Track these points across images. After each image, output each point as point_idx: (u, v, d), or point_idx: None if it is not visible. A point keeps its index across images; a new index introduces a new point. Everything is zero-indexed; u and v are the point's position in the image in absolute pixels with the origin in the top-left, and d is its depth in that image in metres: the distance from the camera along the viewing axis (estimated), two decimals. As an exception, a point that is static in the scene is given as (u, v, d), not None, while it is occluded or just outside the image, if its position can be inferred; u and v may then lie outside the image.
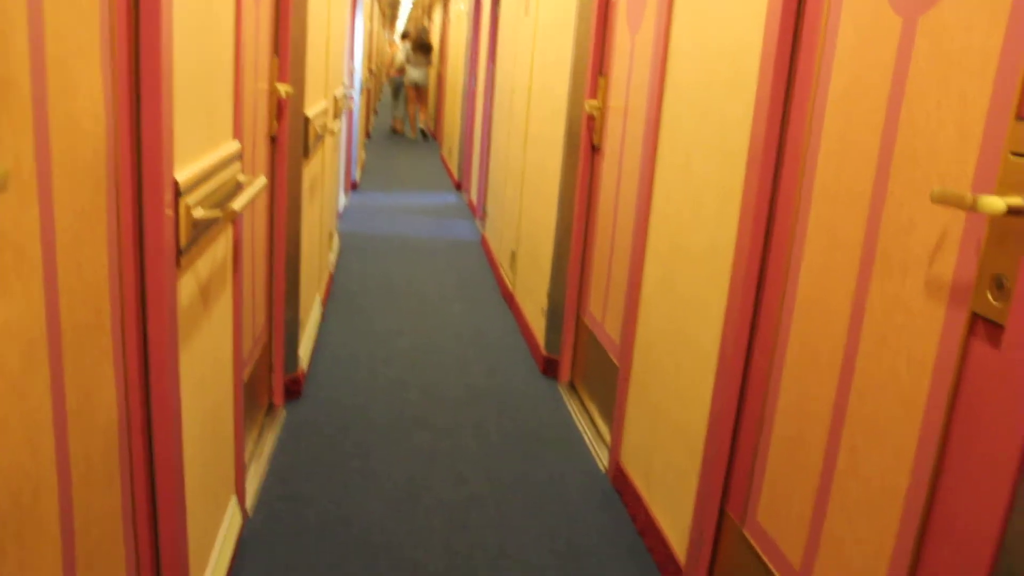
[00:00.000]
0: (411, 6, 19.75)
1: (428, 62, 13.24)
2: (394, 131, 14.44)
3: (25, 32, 1.03)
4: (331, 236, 5.48)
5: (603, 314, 3.36)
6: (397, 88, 14.00)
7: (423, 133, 14.13)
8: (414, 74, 13.16)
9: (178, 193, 1.59)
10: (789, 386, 1.84)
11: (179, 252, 1.62)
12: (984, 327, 1.27)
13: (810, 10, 1.79)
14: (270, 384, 3.30)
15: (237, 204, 1.80)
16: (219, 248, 2.06)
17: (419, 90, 13.54)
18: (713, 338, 2.17)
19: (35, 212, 1.08)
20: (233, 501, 2.42)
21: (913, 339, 1.42)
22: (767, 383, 1.93)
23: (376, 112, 16.62)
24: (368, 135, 13.12)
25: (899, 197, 1.47)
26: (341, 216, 7.18)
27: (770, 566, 1.90)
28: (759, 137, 1.90)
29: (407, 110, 13.98)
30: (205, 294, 1.94)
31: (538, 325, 4.15)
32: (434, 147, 13.05)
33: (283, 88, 2.98)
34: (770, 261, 1.93)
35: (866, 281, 1.56)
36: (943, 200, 1.25)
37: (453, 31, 11.36)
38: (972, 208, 1.19)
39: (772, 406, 1.91)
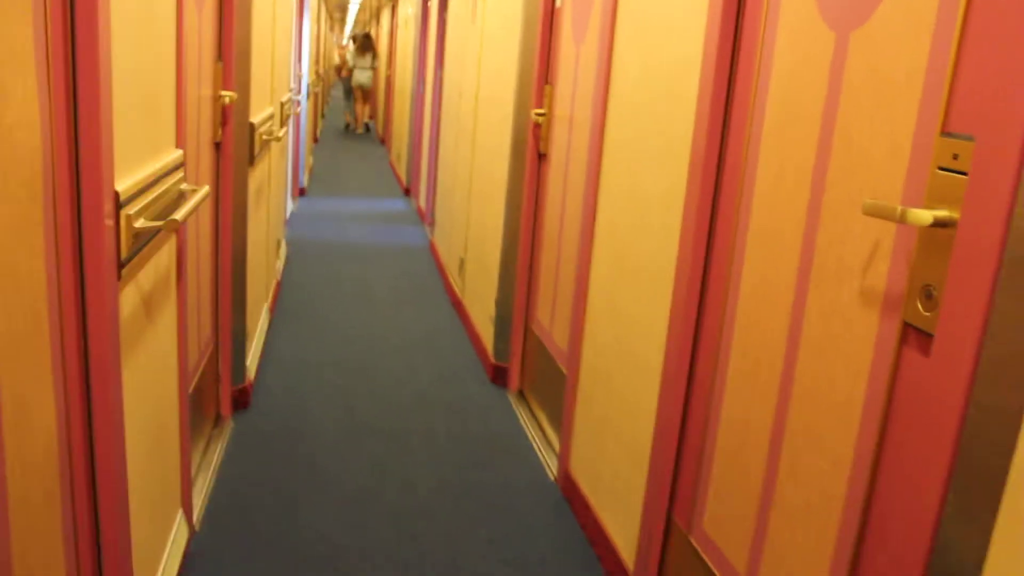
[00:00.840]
0: (358, 9, 19.72)
1: (372, 65, 14.20)
2: (347, 126, 15.61)
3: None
4: (278, 243, 5.43)
5: (551, 322, 3.39)
6: (348, 89, 15.10)
7: (366, 127, 15.52)
8: (359, 76, 14.20)
9: (119, 204, 1.57)
10: (732, 396, 1.87)
11: (120, 263, 1.60)
12: (915, 336, 1.31)
13: (748, 24, 1.82)
14: (217, 395, 3.26)
15: (179, 215, 1.79)
16: (162, 258, 2.04)
17: (364, 91, 14.61)
18: (657, 349, 2.20)
19: (-30, 226, 1.07)
20: (180, 515, 2.39)
21: (849, 347, 1.46)
22: (710, 393, 1.97)
23: (324, 116, 16.57)
24: (316, 139, 13.05)
25: (834, 209, 1.51)
26: (288, 222, 7.11)
27: (716, 573, 1.93)
28: (699, 149, 1.94)
29: (354, 108, 15.17)
30: (148, 305, 1.92)
31: (487, 333, 4.16)
32: (382, 151, 13.03)
33: (227, 95, 2.96)
34: (712, 272, 1.97)
35: (804, 291, 1.59)
36: (874, 212, 1.29)
37: (401, 35, 11.33)
38: (901, 220, 1.23)
39: (716, 416, 1.94)
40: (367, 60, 14.11)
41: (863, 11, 1.45)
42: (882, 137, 1.39)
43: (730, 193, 1.88)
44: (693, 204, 1.97)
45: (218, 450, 3.05)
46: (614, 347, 2.54)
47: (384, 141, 13.71)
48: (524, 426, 3.51)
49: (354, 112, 15.18)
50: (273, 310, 4.76)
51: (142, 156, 1.79)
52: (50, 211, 1.36)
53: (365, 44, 14.17)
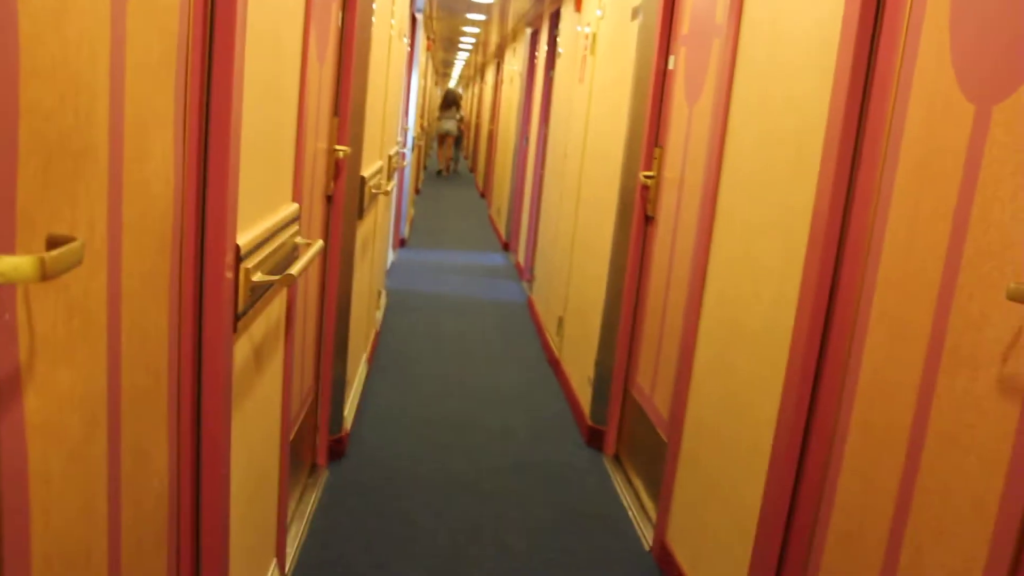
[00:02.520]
0: (463, 65, 20.28)
1: (456, 116, 16.62)
2: (439, 172, 17.82)
3: (107, 100, 1.05)
4: (379, 293, 5.51)
5: (652, 387, 3.32)
6: (435, 137, 17.67)
7: (454, 169, 18.20)
8: (446, 125, 16.66)
9: (239, 257, 1.60)
10: (849, 476, 1.78)
11: (237, 316, 1.63)
12: (1062, 431, 1.22)
13: (877, 93, 1.77)
14: (314, 444, 3.29)
15: (295, 269, 1.81)
16: (274, 310, 2.07)
17: (452, 136, 16.97)
18: (769, 421, 2.12)
19: (103, 278, 1.09)
20: (273, 564, 2.39)
21: (985, 438, 1.37)
22: (825, 471, 1.88)
23: (425, 168, 17.05)
24: (418, 191, 13.31)
25: (969, 290, 1.43)
26: (389, 273, 7.23)
27: (824, 664, 1.83)
28: (821, 221, 1.87)
29: (440, 153, 17.44)
30: (258, 356, 1.95)
31: (584, 394, 4.11)
32: (481, 204, 13.21)
33: (341, 149, 3.02)
34: (829, 351, 1.88)
35: (933, 375, 1.51)
36: (1019, 298, 1.21)
37: (505, 91, 11.52)
38: (1052, 308, 1.15)
39: (831, 496, 1.85)
40: (452, 112, 16.56)
41: (1008, 84, 1.38)
42: (1026, 217, 1.31)
43: (853, 268, 1.81)
44: (812, 277, 1.90)
45: (312, 499, 3.07)
46: (721, 416, 2.46)
47: (484, 195, 13.92)
48: (619, 492, 3.43)
49: (442, 156, 17.30)
50: (371, 360, 4.81)
51: (262, 210, 1.83)
52: (176, 265, 1.39)
53: (450, 98, 16.68)
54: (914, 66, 1.65)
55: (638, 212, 3.53)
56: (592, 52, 4.70)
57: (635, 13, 3.69)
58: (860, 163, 1.81)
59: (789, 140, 2.12)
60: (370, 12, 3.18)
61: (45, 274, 0.79)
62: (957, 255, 1.47)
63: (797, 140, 2.07)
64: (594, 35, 4.69)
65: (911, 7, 1.67)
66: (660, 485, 2.95)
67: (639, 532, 3.11)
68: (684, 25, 3.23)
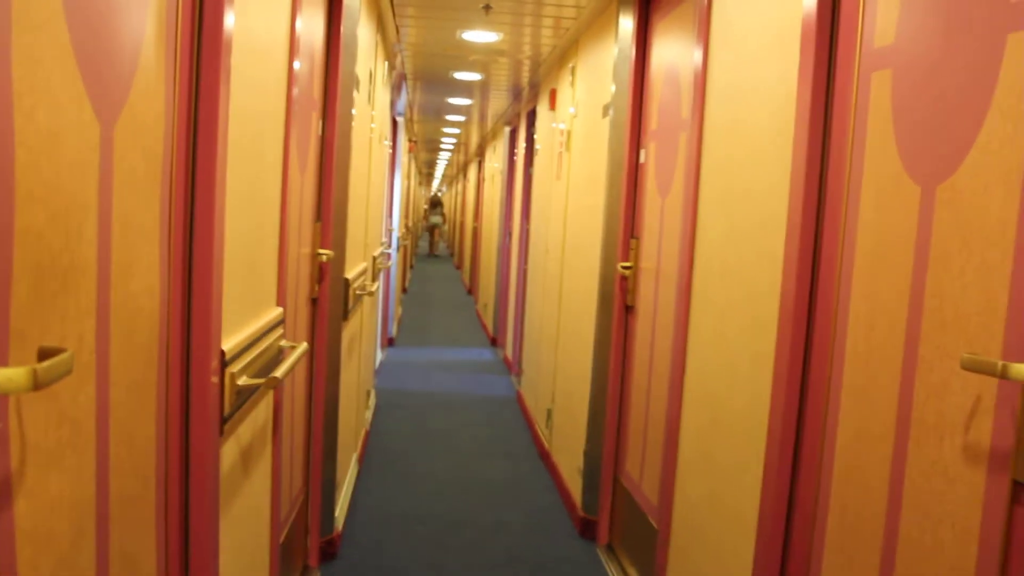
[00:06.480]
0: (446, 165, 20.97)
1: (440, 213, 24.74)
2: (429, 253, 25.01)
3: (95, 219, 1.11)
4: (368, 393, 5.52)
5: (640, 475, 3.33)
6: (426, 228, 26.33)
7: (441, 249, 26.38)
8: (433, 219, 24.65)
9: (224, 362, 1.65)
10: (832, 556, 1.80)
11: (223, 420, 1.66)
12: (1026, 495, 1.26)
13: (832, 179, 1.85)
14: (306, 545, 3.27)
15: (279, 372, 1.86)
16: (260, 413, 2.11)
17: (438, 229, 25.00)
18: (752, 506, 2.14)
19: (92, 388, 1.13)
20: (265, 671, 2.36)
21: (956, 507, 1.40)
22: (809, 552, 1.90)
23: (412, 267, 17.31)
24: (405, 290, 13.42)
25: (930, 362, 1.49)
26: (377, 372, 7.24)
27: None
28: (788, 304, 1.94)
29: (432, 239, 25.10)
30: (246, 459, 1.97)
31: (575, 485, 4.10)
32: (468, 301, 13.31)
33: (325, 253, 3.10)
34: (806, 427, 1.93)
35: (903, 446, 1.55)
36: (973, 367, 1.27)
37: (487, 189, 11.75)
38: (1003, 375, 1.20)
39: (816, 573, 1.86)
40: (437, 210, 24.61)
41: (949, 164, 1.47)
42: (975, 289, 1.38)
43: (822, 347, 1.87)
44: (784, 359, 1.96)
45: (305, 604, 3.03)
46: (707, 502, 2.48)
47: (471, 291, 14.06)
48: (614, 583, 3.41)
49: (432, 242, 25.10)
50: (362, 460, 4.80)
51: (246, 315, 1.88)
52: (162, 371, 1.43)
53: (435, 200, 24.82)
54: (864, 152, 1.74)
55: (618, 302, 3.60)
56: (567, 148, 4.85)
57: (606, 110, 3.83)
58: (821, 246, 1.89)
59: (754, 227, 2.21)
60: (349, 119, 3.30)
61: (37, 384, 0.83)
62: (916, 328, 1.53)
63: (761, 226, 2.16)
64: (568, 132, 4.85)
65: (856, 96, 1.77)
66: (653, 573, 2.94)
67: (636, 623, 3.08)
68: (653, 120, 3.36)
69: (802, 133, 1.91)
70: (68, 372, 0.90)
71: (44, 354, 0.93)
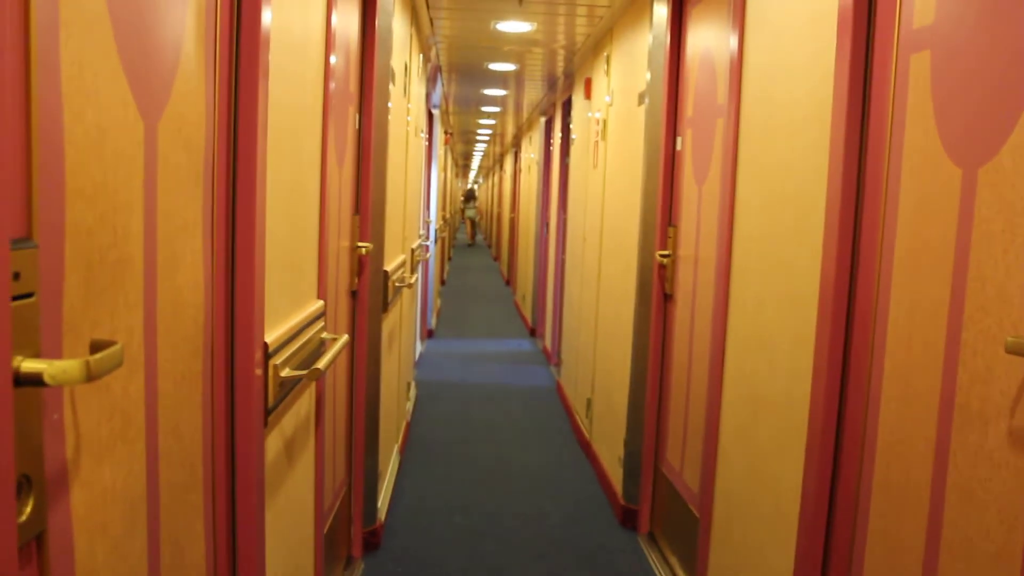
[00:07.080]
0: (482, 156, 20.93)
1: (474, 206, 26.75)
2: (468, 245, 26.22)
3: (141, 215, 1.14)
4: (408, 385, 5.56)
5: (681, 464, 3.33)
6: (462, 221, 28.06)
7: (477, 239, 27.70)
8: (469, 212, 26.60)
9: (267, 354, 1.67)
10: (876, 538, 1.79)
11: (267, 411, 1.69)
12: (1072, 479, 1.24)
13: (871, 163, 1.84)
14: (349, 536, 3.31)
15: (321, 364, 1.88)
16: (303, 404, 2.14)
17: (473, 220, 26.69)
18: (794, 489, 2.13)
19: (141, 380, 1.16)
20: (311, 659, 2.40)
21: (1001, 492, 1.39)
22: (852, 535, 1.89)
23: (451, 259, 17.39)
24: (443, 282, 13.48)
25: (973, 346, 1.47)
26: (417, 364, 7.29)
27: None
28: (828, 288, 1.93)
29: (468, 231, 26.84)
30: (290, 450, 2.01)
31: (616, 474, 4.11)
32: (506, 292, 13.33)
33: (364, 246, 3.13)
34: (847, 414, 1.92)
35: (947, 432, 1.54)
36: (1018, 351, 1.25)
37: (524, 180, 11.75)
38: (1048, 359, 1.19)
39: (860, 560, 1.86)
40: (472, 203, 26.63)
41: (991, 146, 1.45)
42: (1018, 272, 1.36)
43: (862, 331, 1.86)
44: (824, 344, 1.95)
45: (350, 593, 3.08)
46: (746, 493, 2.47)
47: (509, 282, 14.09)
48: (655, 571, 3.41)
49: (468, 232, 26.71)
50: (403, 451, 4.84)
51: (288, 308, 1.91)
52: (208, 363, 1.46)
53: (469, 194, 26.74)
54: (903, 135, 1.72)
55: (657, 291, 3.59)
56: (603, 137, 4.84)
57: (641, 98, 3.82)
58: (861, 229, 1.87)
59: (793, 212, 2.19)
60: (385, 112, 3.32)
61: (90, 375, 0.86)
62: (959, 312, 1.52)
63: (800, 211, 2.14)
64: (604, 120, 4.84)
65: (895, 77, 1.75)
66: (695, 561, 2.94)
67: (678, 611, 3.08)
68: (689, 107, 3.34)
69: (840, 117, 1.89)
70: (119, 364, 0.93)
71: (95, 347, 0.95)
